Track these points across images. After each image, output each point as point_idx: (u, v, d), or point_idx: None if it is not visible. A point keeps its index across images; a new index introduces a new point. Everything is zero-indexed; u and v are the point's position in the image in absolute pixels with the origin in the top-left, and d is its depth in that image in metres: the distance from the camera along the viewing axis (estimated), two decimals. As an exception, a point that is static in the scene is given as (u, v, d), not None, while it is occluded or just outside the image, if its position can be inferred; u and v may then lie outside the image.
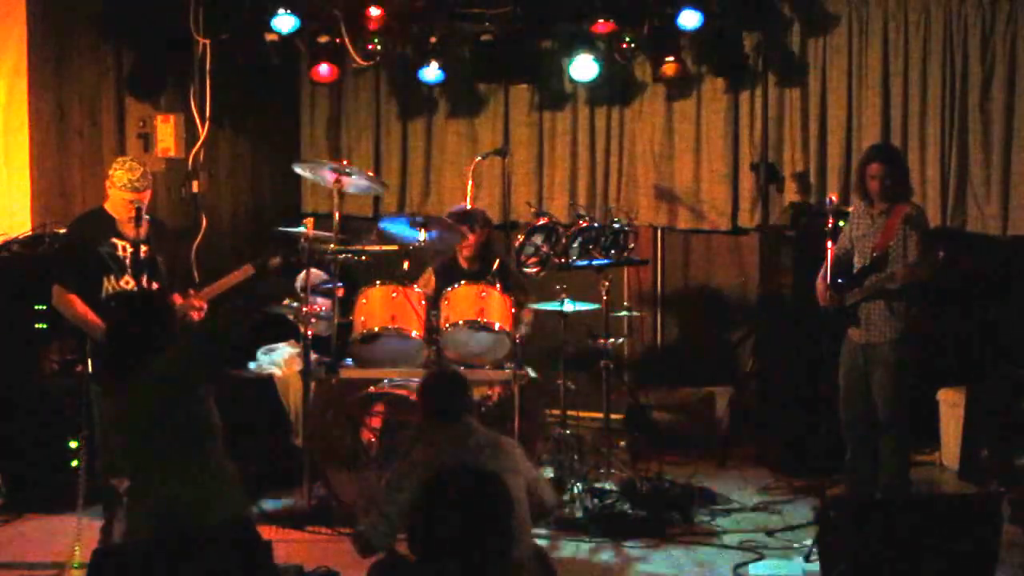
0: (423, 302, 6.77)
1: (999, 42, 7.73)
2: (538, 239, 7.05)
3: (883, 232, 6.37)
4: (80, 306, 5.91)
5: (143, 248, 5.94)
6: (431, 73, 8.64)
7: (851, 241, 6.49)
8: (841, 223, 6.44)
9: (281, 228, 7.10)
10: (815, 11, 8.23)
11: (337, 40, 8.49)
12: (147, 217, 5.99)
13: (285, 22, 8.20)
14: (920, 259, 6.19)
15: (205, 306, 6.20)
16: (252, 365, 7.70)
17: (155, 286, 5.94)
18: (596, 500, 6.67)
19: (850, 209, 6.70)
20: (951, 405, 7.69)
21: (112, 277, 5.98)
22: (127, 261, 6.01)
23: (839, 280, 6.30)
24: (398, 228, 6.91)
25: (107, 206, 6.11)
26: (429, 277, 7.39)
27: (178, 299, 6.10)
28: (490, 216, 7.66)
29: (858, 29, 8.10)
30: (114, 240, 6.03)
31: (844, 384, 6.50)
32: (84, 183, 7.80)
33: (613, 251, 7.14)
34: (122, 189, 5.99)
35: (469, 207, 7.38)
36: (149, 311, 4.46)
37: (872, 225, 6.42)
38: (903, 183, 6.48)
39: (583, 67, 8.38)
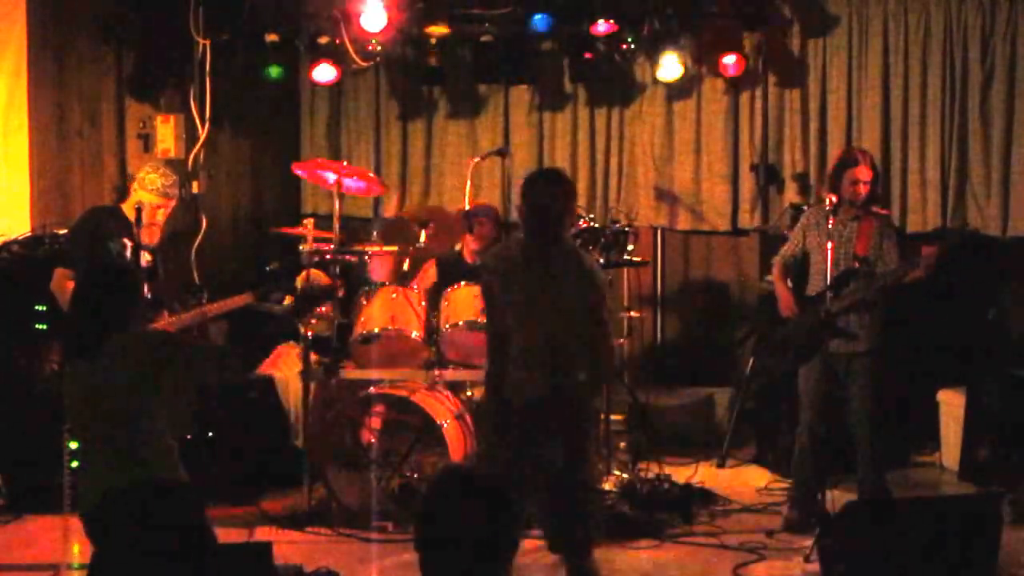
0: (423, 303, 6.78)
1: (999, 42, 7.74)
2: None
3: (861, 237, 6.34)
4: None
5: (148, 257, 6.00)
6: (430, 74, 8.63)
7: (811, 243, 6.45)
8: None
9: (277, 230, 7.12)
10: (815, 11, 8.23)
11: (337, 40, 8.49)
12: (160, 227, 6.03)
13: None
14: (917, 260, 6.20)
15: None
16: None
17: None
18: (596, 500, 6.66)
19: (804, 209, 6.72)
20: (951, 405, 7.69)
21: None
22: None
23: (826, 291, 6.27)
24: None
25: (125, 206, 6.15)
26: (429, 269, 7.39)
27: (166, 317, 6.09)
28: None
29: (858, 29, 8.10)
30: (125, 240, 6.07)
31: (812, 390, 6.46)
32: (84, 183, 7.80)
33: (613, 252, 7.14)
34: (152, 192, 6.04)
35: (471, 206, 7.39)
36: (119, 285, 4.47)
37: (845, 229, 6.38)
38: (880, 189, 6.53)
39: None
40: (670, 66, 8.30)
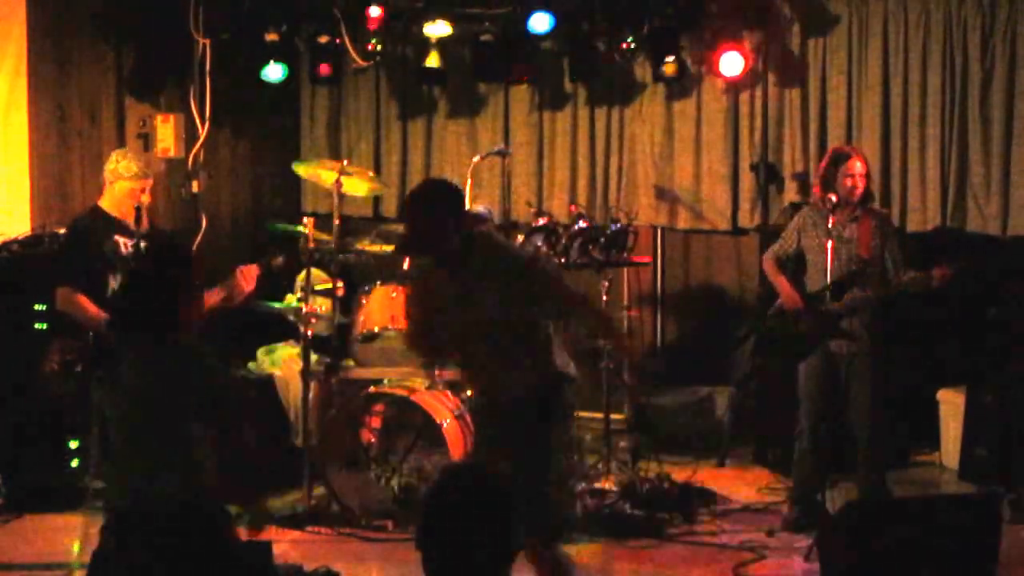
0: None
1: (999, 42, 7.73)
2: (538, 239, 7.05)
3: (862, 238, 6.34)
4: (91, 306, 5.77)
5: (144, 244, 5.84)
6: (430, 73, 8.64)
7: (808, 243, 6.46)
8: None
9: (279, 225, 7.11)
10: (815, 11, 8.23)
11: (337, 40, 8.50)
12: (146, 213, 5.92)
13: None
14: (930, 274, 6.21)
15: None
16: (252, 365, 7.71)
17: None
18: (596, 500, 6.67)
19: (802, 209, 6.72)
20: (951, 405, 7.70)
21: (118, 275, 5.85)
22: (131, 259, 5.88)
23: (826, 290, 6.27)
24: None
25: (104, 204, 6.01)
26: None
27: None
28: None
29: (858, 29, 8.09)
30: (116, 238, 5.95)
31: (812, 390, 6.47)
32: (84, 183, 7.80)
33: (613, 251, 7.15)
34: (131, 179, 5.90)
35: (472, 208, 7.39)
36: (176, 260, 4.35)
37: (844, 230, 6.37)
38: (872, 188, 6.53)
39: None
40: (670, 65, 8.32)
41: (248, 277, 5.95)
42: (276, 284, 7.25)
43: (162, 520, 4.08)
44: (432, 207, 4.78)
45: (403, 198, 9.19)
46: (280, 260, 6.38)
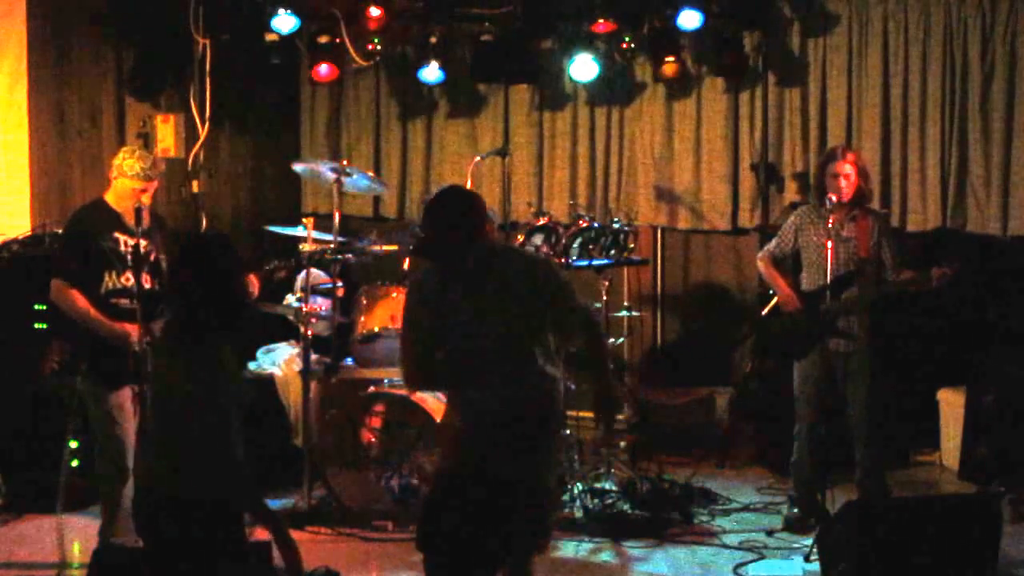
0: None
1: (999, 42, 7.73)
2: (538, 239, 7.06)
3: (861, 238, 6.34)
4: (82, 301, 5.71)
5: (144, 244, 5.79)
6: (431, 73, 8.64)
7: (806, 241, 6.46)
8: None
9: (273, 228, 7.10)
10: (815, 11, 8.23)
11: (337, 40, 8.50)
12: (148, 209, 5.88)
13: (285, 22, 8.19)
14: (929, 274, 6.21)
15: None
16: (252, 365, 7.70)
17: (150, 283, 5.82)
18: (596, 500, 6.67)
19: (795, 212, 6.73)
20: (951, 405, 7.70)
21: (114, 273, 5.78)
22: (129, 257, 5.78)
23: (825, 290, 6.27)
24: None
25: (109, 198, 5.95)
26: None
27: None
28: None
29: (858, 29, 8.09)
30: (116, 235, 5.86)
31: (811, 390, 6.45)
32: (84, 183, 7.80)
33: (613, 251, 7.15)
34: (133, 178, 5.83)
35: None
36: (228, 252, 4.34)
37: (843, 229, 6.37)
38: (870, 188, 6.52)
39: (583, 67, 8.37)
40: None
41: (251, 286, 5.92)
42: (276, 285, 7.26)
43: (200, 509, 4.07)
44: (453, 216, 4.67)
45: (403, 198, 9.25)
46: (283, 274, 6.37)
